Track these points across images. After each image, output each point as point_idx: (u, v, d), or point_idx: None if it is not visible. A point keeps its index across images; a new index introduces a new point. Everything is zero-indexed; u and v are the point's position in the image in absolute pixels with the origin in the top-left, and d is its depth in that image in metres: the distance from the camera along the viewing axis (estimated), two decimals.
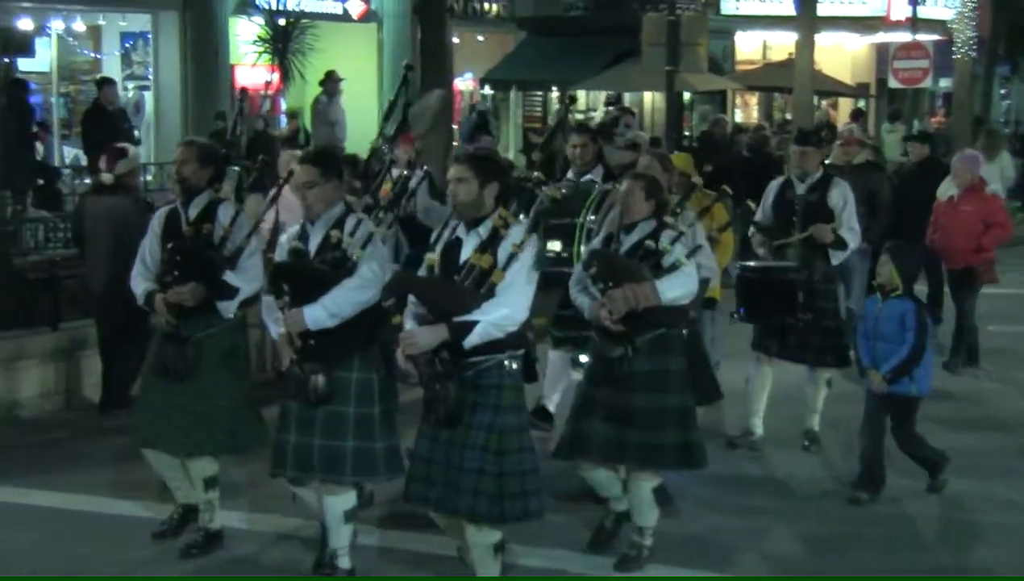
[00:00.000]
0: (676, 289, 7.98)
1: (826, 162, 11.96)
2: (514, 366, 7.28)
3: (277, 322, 7.67)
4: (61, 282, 12.78)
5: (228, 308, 8.31)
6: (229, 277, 8.21)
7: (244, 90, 9.26)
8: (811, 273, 10.53)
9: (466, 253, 7.26)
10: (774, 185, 11.21)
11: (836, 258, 10.81)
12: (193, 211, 8.40)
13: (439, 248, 7.42)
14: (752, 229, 11.07)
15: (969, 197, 13.35)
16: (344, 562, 7.93)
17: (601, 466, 8.29)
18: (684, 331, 8.32)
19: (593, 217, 9.78)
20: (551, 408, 10.67)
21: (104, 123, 17.95)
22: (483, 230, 7.26)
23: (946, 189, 13.72)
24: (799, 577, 8.36)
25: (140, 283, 8.47)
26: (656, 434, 8.04)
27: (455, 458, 7.18)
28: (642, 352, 7.99)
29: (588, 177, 10.46)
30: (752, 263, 10.86)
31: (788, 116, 34.47)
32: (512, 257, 7.13)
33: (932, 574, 8.42)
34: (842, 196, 10.79)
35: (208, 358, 8.28)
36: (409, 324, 7.27)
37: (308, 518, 8.56)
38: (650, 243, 8.08)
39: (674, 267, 8.01)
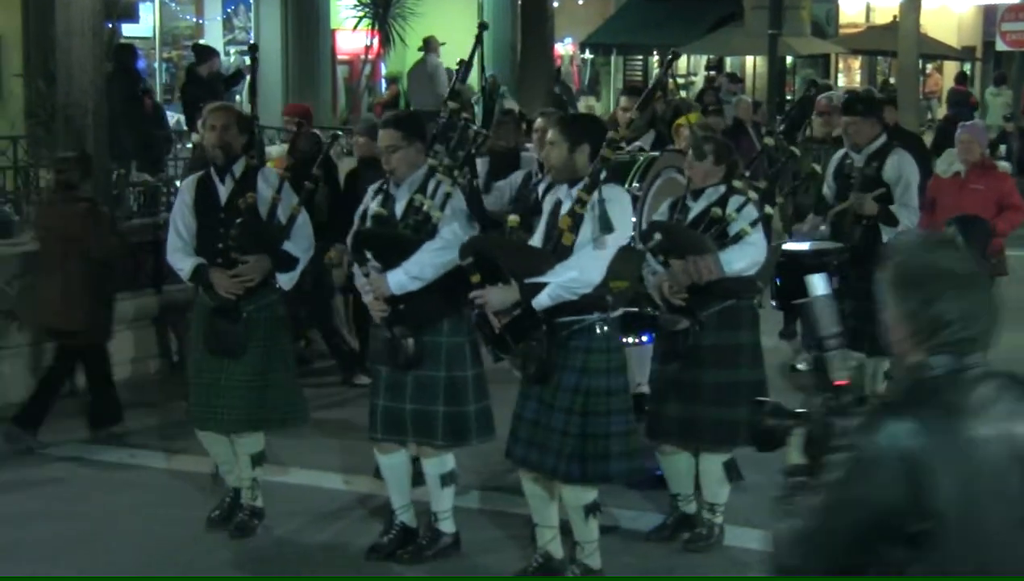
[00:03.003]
0: (741, 260, 7.74)
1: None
2: (605, 329, 7.20)
3: (365, 288, 7.67)
4: (164, 245, 12.83)
5: (290, 280, 8.13)
6: (288, 247, 8.03)
7: (254, 45, 8.84)
8: (866, 253, 9.59)
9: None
10: (836, 157, 10.38)
11: (887, 234, 9.85)
12: (231, 180, 8.11)
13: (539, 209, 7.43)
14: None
15: (979, 174, 11.50)
16: (447, 525, 7.94)
17: (682, 451, 8.11)
18: (755, 301, 8.07)
19: (638, 185, 9.21)
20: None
21: (202, 87, 18.03)
22: (576, 192, 7.19)
23: (948, 164, 11.97)
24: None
25: (183, 258, 8.19)
26: (729, 411, 7.74)
27: (544, 417, 7.17)
28: (710, 326, 7.77)
29: (637, 144, 10.22)
30: (788, 246, 9.86)
31: (892, 80, 34.09)
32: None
33: None
34: (897, 168, 9.91)
35: (257, 332, 8.10)
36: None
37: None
38: (716, 211, 7.87)
39: (739, 237, 7.79)
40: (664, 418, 7.97)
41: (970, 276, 3.49)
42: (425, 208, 7.46)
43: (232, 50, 25.13)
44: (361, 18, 23.41)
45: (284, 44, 24.27)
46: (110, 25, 18.70)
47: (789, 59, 33.67)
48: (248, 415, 8.15)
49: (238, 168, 8.14)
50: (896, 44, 28.07)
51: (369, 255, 7.53)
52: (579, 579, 7.41)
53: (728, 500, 8.14)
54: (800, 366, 12.24)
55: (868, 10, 39.04)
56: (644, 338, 8.77)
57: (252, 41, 24.67)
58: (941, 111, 34.30)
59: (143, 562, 7.96)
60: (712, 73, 32.13)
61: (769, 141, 9.15)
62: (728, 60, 33.97)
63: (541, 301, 6.96)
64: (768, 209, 8.33)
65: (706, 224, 7.86)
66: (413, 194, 7.54)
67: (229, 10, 25.47)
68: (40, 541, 8.27)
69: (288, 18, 24.27)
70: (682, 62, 35.16)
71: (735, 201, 7.91)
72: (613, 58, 34.77)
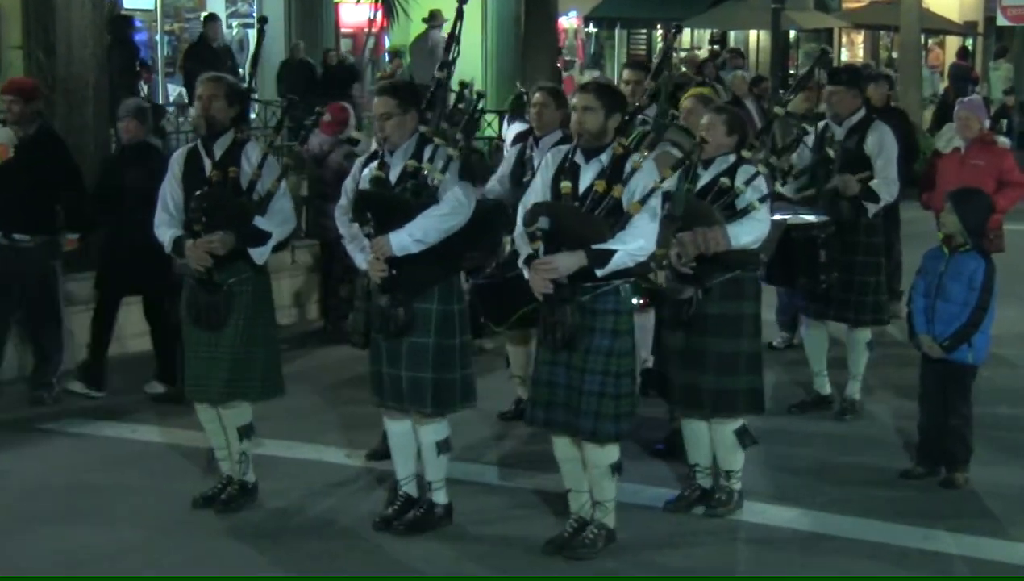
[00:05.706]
0: (747, 234, 7.84)
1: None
2: (628, 290, 7.36)
3: (364, 250, 7.67)
4: None
5: (261, 255, 8.08)
6: (259, 222, 7.98)
7: (263, 18, 8.65)
8: (850, 226, 9.82)
9: (586, 181, 7.32)
10: (817, 128, 10.28)
11: (871, 210, 9.94)
12: (217, 152, 8.07)
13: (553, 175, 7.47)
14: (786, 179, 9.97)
15: (979, 150, 11.42)
16: (440, 496, 8.00)
17: (691, 417, 8.20)
18: (757, 273, 8.16)
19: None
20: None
21: (207, 60, 17.99)
22: (604, 158, 7.32)
23: (948, 140, 11.86)
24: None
25: (165, 230, 8.16)
26: (730, 379, 7.94)
27: (576, 381, 7.29)
28: (715, 295, 7.89)
29: (639, 117, 10.22)
30: (774, 217, 9.55)
31: (894, 55, 34.05)
32: (652, 192, 7.20)
33: None
34: (879, 142, 9.94)
35: (239, 304, 8.08)
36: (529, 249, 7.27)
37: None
38: (725, 181, 7.93)
39: (747, 211, 7.86)
40: (671, 384, 8.09)
41: None
42: (425, 172, 7.52)
43: (235, 23, 25.08)
44: None
45: (287, 17, 24.18)
46: None
47: (792, 33, 33.60)
48: (229, 386, 8.15)
49: (225, 141, 8.10)
50: (899, 19, 28.00)
51: (369, 216, 7.55)
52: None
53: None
54: (776, 343, 12.27)
55: None
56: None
57: (255, 13, 24.67)
58: (942, 85, 34.20)
59: (146, 536, 7.97)
60: (715, 48, 32.06)
61: (779, 111, 9.13)
62: (731, 34, 33.90)
63: (608, 268, 7.13)
64: (778, 186, 8.38)
65: (714, 194, 7.94)
66: (407, 161, 7.59)
67: None
68: (44, 516, 8.28)
69: None
70: (685, 36, 35.12)
71: (744, 172, 7.97)
72: (617, 31, 34.69)
